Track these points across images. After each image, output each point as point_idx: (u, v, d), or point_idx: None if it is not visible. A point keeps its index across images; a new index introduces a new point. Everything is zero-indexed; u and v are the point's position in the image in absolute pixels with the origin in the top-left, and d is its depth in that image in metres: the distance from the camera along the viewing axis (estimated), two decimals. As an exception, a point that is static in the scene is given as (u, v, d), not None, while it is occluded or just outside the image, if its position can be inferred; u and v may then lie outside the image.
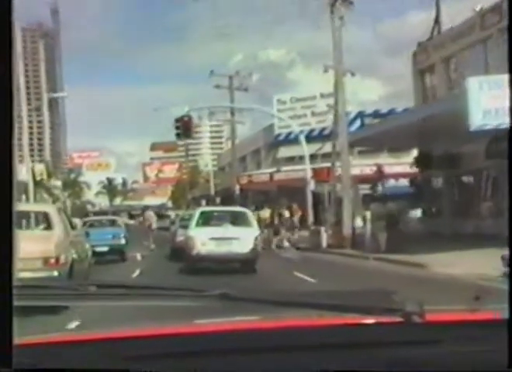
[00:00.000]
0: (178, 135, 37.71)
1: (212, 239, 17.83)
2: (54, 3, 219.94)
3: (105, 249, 23.80)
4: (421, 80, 34.02)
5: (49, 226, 12.49)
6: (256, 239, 18.01)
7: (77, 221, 50.17)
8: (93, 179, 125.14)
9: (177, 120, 37.14)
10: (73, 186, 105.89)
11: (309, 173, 34.93)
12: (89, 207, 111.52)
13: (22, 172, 51.65)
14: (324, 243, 28.39)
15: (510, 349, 1.23)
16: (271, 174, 49.05)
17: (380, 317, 1.52)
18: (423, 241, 23.84)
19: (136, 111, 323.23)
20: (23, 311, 1.41)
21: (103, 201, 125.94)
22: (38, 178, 56.48)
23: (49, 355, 1.43)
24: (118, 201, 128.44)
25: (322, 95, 50.63)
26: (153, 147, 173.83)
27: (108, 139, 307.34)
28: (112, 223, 28.59)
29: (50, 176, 69.99)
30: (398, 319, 1.48)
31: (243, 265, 17.47)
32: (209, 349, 1.48)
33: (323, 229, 29.28)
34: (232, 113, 49.49)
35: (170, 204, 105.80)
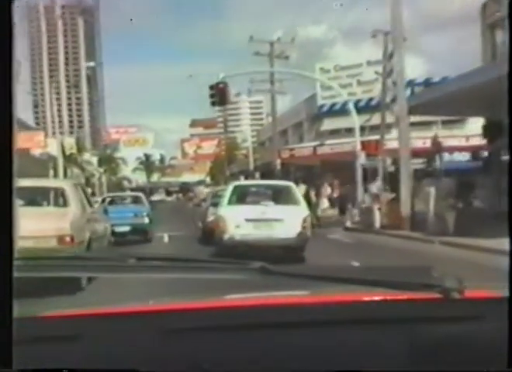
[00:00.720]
0: (213, 103, 34.58)
1: (249, 220, 14.46)
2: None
3: (126, 228, 20.98)
4: (491, 36, 30.27)
5: (65, 203, 12.14)
6: (304, 220, 14.45)
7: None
8: (130, 155, 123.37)
9: (211, 87, 34.20)
10: (109, 162, 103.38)
11: (359, 146, 31.64)
12: (126, 183, 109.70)
13: (54, 147, 49.67)
14: (378, 223, 25.27)
15: (510, 349, 1.22)
16: (315, 148, 45.90)
17: (418, 293, 1.51)
18: (498, 223, 20.16)
19: (175, 87, 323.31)
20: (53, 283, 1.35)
21: (140, 178, 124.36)
22: (68, 152, 54.21)
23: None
24: (155, 177, 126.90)
25: (369, 63, 47.01)
26: (193, 124, 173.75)
27: (147, 116, 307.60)
28: (135, 200, 25.39)
29: (80, 150, 67.31)
30: (436, 295, 1.46)
31: (288, 252, 13.70)
32: (247, 322, 1.46)
33: (376, 207, 25.97)
34: (272, 82, 46.30)
35: (208, 180, 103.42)
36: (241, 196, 15.81)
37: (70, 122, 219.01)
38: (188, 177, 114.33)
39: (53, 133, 46.03)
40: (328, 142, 45.01)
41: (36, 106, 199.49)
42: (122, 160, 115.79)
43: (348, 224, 27.71)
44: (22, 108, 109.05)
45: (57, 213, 11.80)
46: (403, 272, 1.58)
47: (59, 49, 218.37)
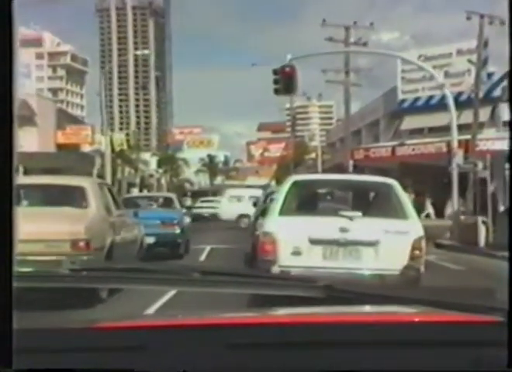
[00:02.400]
0: (276, 90, 29.32)
1: (317, 242, 8.68)
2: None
3: (151, 240, 15.58)
4: None
5: (85, 204, 11.28)
6: (417, 244, 8.55)
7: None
8: (193, 156, 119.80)
9: (276, 71, 28.95)
10: (170, 163, 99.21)
11: (456, 144, 26.35)
12: (187, 185, 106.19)
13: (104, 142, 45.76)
14: (482, 241, 19.81)
15: (510, 349, 1.23)
16: (394, 148, 40.53)
17: (481, 315, 1.50)
18: None
19: (244, 91, 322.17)
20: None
21: (203, 180, 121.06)
22: (117, 148, 50.06)
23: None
24: (219, 180, 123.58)
25: (459, 52, 41.04)
26: (261, 127, 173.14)
27: (214, 119, 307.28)
28: (165, 203, 19.89)
29: (130, 147, 62.86)
30: (499, 318, 1.41)
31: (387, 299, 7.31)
32: (309, 340, 1.43)
33: (480, 219, 20.37)
34: (347, 73, 41.18)
35: (273, 184, 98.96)
36: (305, 200, 9.95)
37: (138, 123, 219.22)
38: (252, 181, 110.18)
39: (104, 129, 41.39)
40: (409, 141, 39.58)
41: (104, 107, 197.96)
42: (185, 161, 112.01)
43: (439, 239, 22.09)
44: (92, 109, 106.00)
45: (73, 214, 10.77)
46: (467, 293, 1.65)
47: (129, 51, 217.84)
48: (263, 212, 11.56)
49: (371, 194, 9.89)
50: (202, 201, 61.57)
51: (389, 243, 8.59)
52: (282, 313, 1.86)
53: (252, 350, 1.37)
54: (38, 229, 9.41)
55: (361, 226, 8.74)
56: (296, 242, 8.49)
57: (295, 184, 9.62)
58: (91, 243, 10.15)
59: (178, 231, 17.52)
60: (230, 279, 1.69)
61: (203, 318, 1.71)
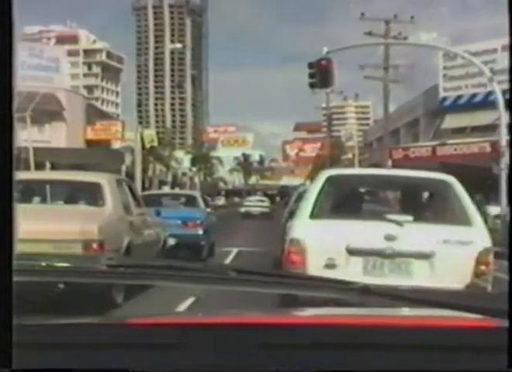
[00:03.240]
0: (312, 85, 27.91)
1: (357, 252, 6.96)
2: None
3: (171, 242, 14.21)
4: None
5: (100, 201, 10.52)
6: (483, 258, 6.78)
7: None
8: (228, 155, 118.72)
9: (311, 65, 27.53)
10: (204, 161, 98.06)
11: (504, 142, 24.66)
12: (221, 184, 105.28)
13: (136, 139, 44.76)
14: None
15: (510, 349, 1.22)
16: (434, 148, 39.01)
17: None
18: None
19: (280, 91, 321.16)
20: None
21: (237, 179, 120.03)
22: (148, 145, 48.85)
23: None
24: (253, 179, 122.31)
25: (504, 48, 39.08)
26: (297, 127, 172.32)
27: (249, 118, 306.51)
28: (187, 201, 18.33)
29: (161, 143, 61.57)
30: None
31: None
32: (346, 342, 1.41)
33: None
34: (386, 68, 39.62)
35: (309, 184, 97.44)
36: (342, 200, 8.08)
37: (173, 121, 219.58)
38: (288, 181, 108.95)
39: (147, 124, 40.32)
40: (451, 141, 37.93)
41: (139, 105, 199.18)
42: (219, 159, 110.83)
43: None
44: (126, 107, 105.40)
45: (86, 213, 10.17)
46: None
47: (165, 49, 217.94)
48: (292, 214, 9.82)
49: (425, 194, 8.05)
50: (250, 200, 66.23)
51: (447, 256, 6.84)
52: (314, 314, 1.87)
53: (283, 351, 1.34)
54: (46, 227, 8.88)
55: (412, 234, 7.01)
56: (331, 252, 6.79)
57: (330, 180, 7.80)
58: (106, 244, 9.49)
59: (200, 232, 16.12)
60: (264, 279, 1.70)
61: (235, 316, 1.73)
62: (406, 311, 1.75)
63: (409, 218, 7.18)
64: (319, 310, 1.90)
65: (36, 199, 11.02)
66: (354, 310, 1.83)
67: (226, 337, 1.39)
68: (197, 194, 19.92)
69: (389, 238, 6.92)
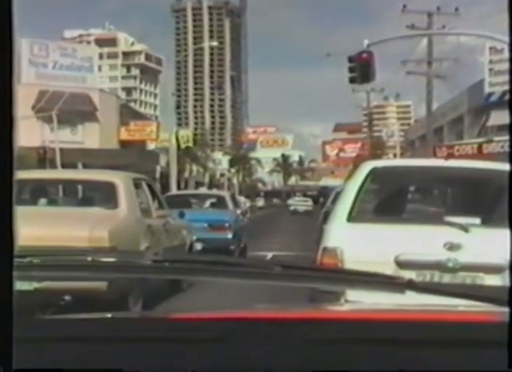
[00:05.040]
0: (352, 79, 26.91)
1: (409, 265, 5.43)
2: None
3: (198, 246, 13.08)
4: None
5: (114, 203, 9.60)
6: None
7: (242, 199, 40.15)
8: (267, 156, 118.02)
9: (351, 59, 26.57)
10: (243, 162, 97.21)
11: None
12: (260, 185, 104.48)
13: (172, 140, 44.04)
14: None
15: (510, 349, 1.21)
16: (480, 145, 37.61)
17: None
18: None
19: (320, 92, 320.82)
20: None
21: (276, 180, 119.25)
22: (183, 145, 47.97)
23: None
24: (293, 180, 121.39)
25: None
26: (337, 128, 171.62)
27: (289, 120, 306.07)
28: (215, 203, 17.00)
29: (196, 143, 60.70)
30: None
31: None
32: (386, 337, 1.40)
33: None
34: (429, 63, 38.25)
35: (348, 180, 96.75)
36: (388, 199, 6.56)
37: (212, 123, 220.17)
38: (327, 181, 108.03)
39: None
40: (497, 138, 36.58)
41: (178, 107, 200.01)
42: (258, 160, 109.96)
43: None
44: (165, 109, 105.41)
45: (96, 216, 9.17)
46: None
47: (204, 51, 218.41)
48: (327, 215, 8.36)
49: (492, 192, 6.51)
50: (297, 200, 77.27)
51: None
52: (360, 308, 1.85)
53: (331, 346, 1.34)
54: (50, 232, 8.05)
55: (480, 241, 5.57)
56: (374, 264, 5.41)
57: (374, 173, 6.32)
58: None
59: (229, 236, 14.99)
60: (308, 274, 1.73)
61: (281, 311, 1.73)
62: (451, 306, 1.71)
63: (476, 220, 5.71)
64: (362, 305, 1.88)
65: (43, 201, 10.11)
66: (392, 305, 1.79)
67: (271, 332, 1.37)
68: (226, 194, 18.61)
69: (452, 247, 5.47)
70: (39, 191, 10.33)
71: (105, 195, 10.25)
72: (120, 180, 10.12)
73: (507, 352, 1.17)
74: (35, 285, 7.50)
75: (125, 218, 9.45)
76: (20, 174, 11.79)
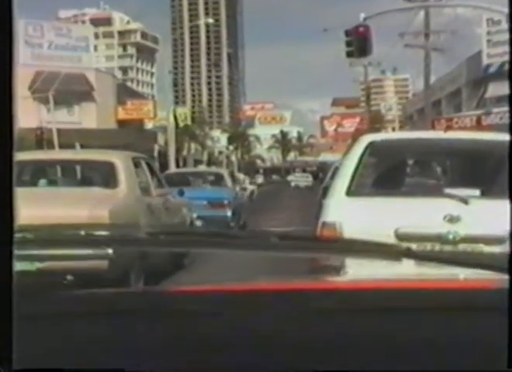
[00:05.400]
0: (349, 53, 27.06)
1: (408, 237, 5.35)
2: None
3: (198, 223, 13.28)
4: None
5: (113, 182, 9.47)
6: None
7: (241, 176, 40.07)
8: (265, 133, 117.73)
9: (348, 33, 26.69)
10: (241, 140, 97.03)
11: None
12: (259, 162, 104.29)
13: (170, 118, 43.91)
14: None
15: (510, 349, 1.19)
16: (479, 117, 37.68)
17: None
18: None
19: (317, 67, 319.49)
20: None
21: (275, 157, 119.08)
22: (181, 124, 47.78)
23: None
24: (292, 156, 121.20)
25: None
26: (335, 102, 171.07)
27: (286, 95, 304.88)
28: (214, 180, 16.96)
29: (194, 121, 60.50)
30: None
31: None
32: (387, 305, 1.40)
33: None
34: (426, 35, 38.07)
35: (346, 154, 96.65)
36: (387, 172, 6.48)
37: (210, 100, 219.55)
38: (327, 157, 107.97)
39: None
40: (496, 110, 36.50)
41: (175, 85, 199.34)
42: (256, 137, 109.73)
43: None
44: (162, 88, 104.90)
45: (96, 196, 9.10)
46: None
47: (200, 28, 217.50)
48: (326, 191, 8.31)
49: (492, 163, 6.44)
50: (297, 176, 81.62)
51: None
52: (359, 278, 1.84)
53: (331, 316, 1.35)
54: (51, 213, 7.78)
55: (480, 213, 5.53)
56: (374, 238, 5.40)
57: (372, 146, 6.29)
58: None
59: (229, 213, 14.94)
60: (305, 244, 1.72)
61: (280, 282, 1.68)
62: (448, 273, 1.73)
63: (476, 192, 5.66)
64: (361, 275, 1.90)
65: (43, 181, 10.16)
66: (393, 274, 1.82)
67: (270, 303, 1.37)
68: (224, 172, 18.56)
69: (451, 219, 5.43)
70: (39, 172, 10.39)
71: (104, 175, 10.19)
72: (119, 159, 10.13)
73: (507, 352, 1.16)
74: (37, 265, 7.63)
75: (125, 197, 9.47)
76: (20, 156, 11.93)
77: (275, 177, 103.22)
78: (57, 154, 13.06)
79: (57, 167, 11.03)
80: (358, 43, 25.57)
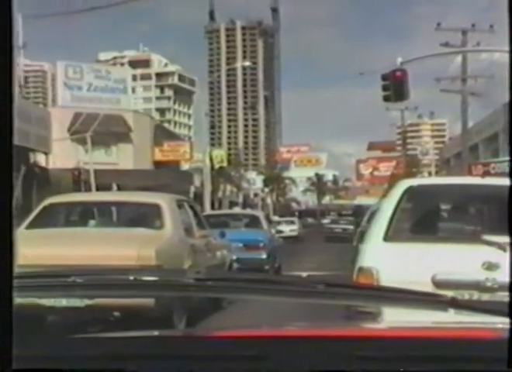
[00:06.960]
0: (386, 98, 26.94)
1: (446, 285, 5.24)
2: (275, 2, 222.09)
3: (236, 265, 13.12)
4: None
5: (159, 224, 10.02)
6: None
7: (276, 219, 39.92)
8: (301, 176, 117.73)
9: (385, 77, 26.58)
10: (277, 182, 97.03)
11: None
12: (294, 205, 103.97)
13: (205, 161, 44.11)
14: None
15: (510, 349, 1.25)
16: None
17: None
18: None
19: (353, 111, 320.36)
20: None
21: (310, 200, 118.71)
22: (217, 165, 47.98)
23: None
24: (327, 199, 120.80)
25: None
26: (371, 147, 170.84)
27: (322, 138, 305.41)
28: (250, 222, 16.92)
29: (230, 163, 60.73)
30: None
31: None
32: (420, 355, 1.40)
33: None
34: (463, 80, 37.88)
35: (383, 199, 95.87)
36: (425, 218, 6.38)
37: (246, 142, 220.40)
38: (362, 200, 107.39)
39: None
40: (535, 156, 35.93)
41: (212, 127, 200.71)
42: (292, 180, 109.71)
43: None
44: (199, 129, 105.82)
45: (143, 236, 9.44)
46: None
47: (237, 71, 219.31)
48: (363, 235, 8.26)
49: None
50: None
51: None
52: (401, 326, 1.81)
53: (372, 363, 1.34)
54: (100, 252, 8.44)
55: None
56: (411, 285, 5.33)
57: (410, 192, 6.28)
58: None
59: (264, 256, 14.90)
60: (351, 292, 1.70)
61: (321, 329, 1.71)
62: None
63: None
64: (402, 323, 1.87)
65: (92, 222, 10.65)
66: (433, 323, 1.78)
67: (311, 350, 1.36)
68: (260, 214, 18.54)
69: (489, 266, 5.37)
70: (88, 213, 10.83)
71: (150, 216, 10.54)
72: (165, 201, 10.52)
73: (507, 352, 1.18)
74: (86, 302, 7.71)
75: (170, 238, 9.81)
76: (69, 197, 12.23)
77: (310, 220, 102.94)
78: (105, 196, 13.45)
79: (105, 207, 11.31)
80: (395, 87, 25.45)
